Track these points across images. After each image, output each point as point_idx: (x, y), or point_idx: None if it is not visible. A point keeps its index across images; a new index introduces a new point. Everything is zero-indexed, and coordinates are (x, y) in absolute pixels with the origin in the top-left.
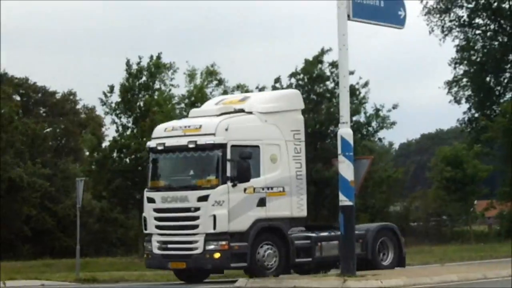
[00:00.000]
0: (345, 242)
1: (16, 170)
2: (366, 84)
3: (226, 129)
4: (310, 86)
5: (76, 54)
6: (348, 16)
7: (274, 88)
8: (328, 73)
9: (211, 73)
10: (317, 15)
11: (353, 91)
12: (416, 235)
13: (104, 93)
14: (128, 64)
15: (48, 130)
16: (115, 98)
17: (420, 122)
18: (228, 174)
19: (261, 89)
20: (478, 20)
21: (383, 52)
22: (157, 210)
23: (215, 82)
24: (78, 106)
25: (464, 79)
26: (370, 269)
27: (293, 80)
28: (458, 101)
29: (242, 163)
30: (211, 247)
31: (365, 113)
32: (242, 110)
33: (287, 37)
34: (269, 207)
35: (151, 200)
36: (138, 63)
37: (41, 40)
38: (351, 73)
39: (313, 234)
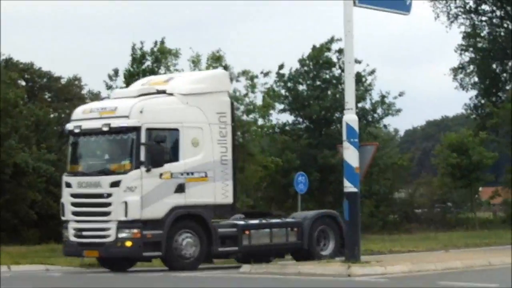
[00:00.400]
0: (350, 229)
1: (21, 155)
2: (372, 72)
3: (141, 112)
4: (316, 73)
5: (82, 39)
6: (354, 2)
7: (278, 74)
8: (335, 60)
9: (217, 59)
10: (325, 1)
11: (359, 78)
12: (421, 222)
13: (109, 76)
14: (133, 48)
15: (53, 115)
16: (120, 83)
17: (426, 109)
18: (142, 158)
19: (265, 74)
20: (484, 7)
21: (389, 38)
22: (73, 196)
23: (220, 68)
24: (84, 92)
25: (471, 66)
26: (308, 259)
27: (298, 66)
28: (464, 88)
29: (155, 147)
30: (123, 235)
31: (370, 99)
32: (164, 92)
33: (295, 24)
34: (188, 193)
35: (68, 185)
36: (141, 48)
37: (46, 25)
38: (358, 62)
39: (240, 222)
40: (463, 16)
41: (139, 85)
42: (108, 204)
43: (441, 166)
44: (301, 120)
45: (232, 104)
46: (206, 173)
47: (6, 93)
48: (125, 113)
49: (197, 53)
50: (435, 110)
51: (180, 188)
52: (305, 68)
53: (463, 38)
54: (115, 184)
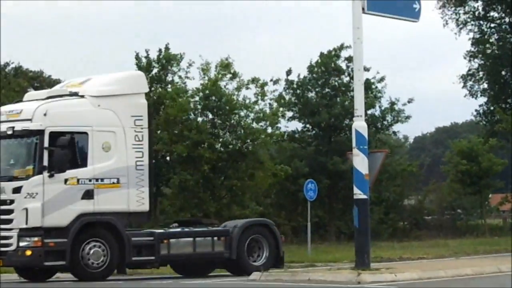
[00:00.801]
0: (360, 236)
1: None
2: (382, 79)
3: (45, 114)
4: (325, 80)
5: (92, 47)
6: (363, 9)
7: (287, 81)
8: (344, 67)
9: (226, 66)
10: (334, 9)
11: (368, 85)
12: (430, 229)
13: None
14: (137, 57)
15: None
16: None
17: (435, 115)
18: (45, 163)
19: (275, 82)
20: (493, 13)
21: (398, 45)
22: None
23: (229, 75)
24: None
25: (480, 73)
26: (237, 271)
27: (306, 73)
28: (473, 95)
29: (58, 151)
30: (24, 243)
31: (380, 106)
32: (76, 94)
33: (305, 31)
34: (98, 200)
35: None
36: (146, 56)
37: (55, 33)
38: (367, 69)
39: (158, 230)
40: (472, 22)
41: (58, 87)
42: (10, 211)
43: (451, 173)
44: (310, 127)
45: (149, 106)
46: (118, 179)
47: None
48: (29, 116)
49: (206, 60)
50: (445, 116)
51: (88, 195)
52: (314, 75)
53: (472, 44)
54: (17, 190)
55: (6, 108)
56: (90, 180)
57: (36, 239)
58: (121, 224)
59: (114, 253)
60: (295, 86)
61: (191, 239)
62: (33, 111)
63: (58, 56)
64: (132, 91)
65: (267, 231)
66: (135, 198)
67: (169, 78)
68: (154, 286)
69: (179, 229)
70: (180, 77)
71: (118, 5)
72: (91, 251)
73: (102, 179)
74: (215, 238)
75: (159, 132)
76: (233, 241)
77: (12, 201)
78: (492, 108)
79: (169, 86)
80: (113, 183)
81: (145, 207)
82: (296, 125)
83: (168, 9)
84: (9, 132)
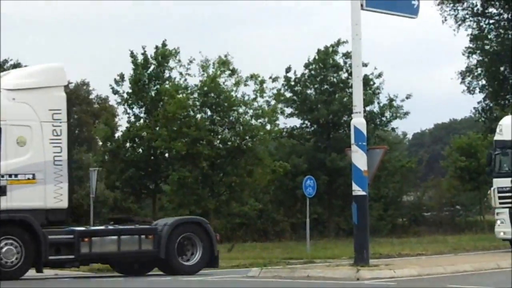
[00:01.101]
0: (359, 232)
1: None
2: (380, 75)
3: None
4: (323, 76)
5: (90, 43)
6: (361, 5)
7: (286, 78)
8: (342, 63)
9: (223, 63)
10: (332, 5)
11: (367, 81)
12: (429, 225)
13: (116, 81)
14: (132, 55)
15: None
16: (127, 88)
17: (434, 112)
18: None
19: (274, 79)
20: (492, 10)
21: (396, 41)
22: None
23: (228, 72)
24: (92, 96)
25: (478, 69)
26: (168, 270)
27: (305, 70)
28: (471, 91)
29: None
30: None
31: (378, 103)
32: None
33: (303, 28)
34: (11, 196)
35: None
36: (143, 53)
37: (53, 30)
38: (365, 65)
39: (79, 228)
40: (471, 19)
41: None
42: None
43: (450, 169)
44: (308, 124)
45: (68, 100)
46: (34, 174)
47: None
48: None
49: (206, 57)
50: (443, 113)
51: (0, 191)
52: (312, 72)
53: (471, 41)
54: None
55: None
56: (2, 176)
57: None
58: (37, 222)
59: (29, 251)
60: (292, 83)
61: (115, 237)
62: None
63: (57, 54)
64: (49, 84)
65: (200, 229)
66: (52, 194)
67: (166, 74)
68: (149, 283)
69: (102, 227)
70: (180, 73)
71: (118, 4)
72: (3, 250)
73: (16, 175)
74: (143, 236)
75: (157, 128)
76: (162, 239)
77: None
78: (491, 105)
79: (167, 82)
80: (28, 179)
81: (64, 203)
82: (295, 122)
83: (168, 9)
84: None
